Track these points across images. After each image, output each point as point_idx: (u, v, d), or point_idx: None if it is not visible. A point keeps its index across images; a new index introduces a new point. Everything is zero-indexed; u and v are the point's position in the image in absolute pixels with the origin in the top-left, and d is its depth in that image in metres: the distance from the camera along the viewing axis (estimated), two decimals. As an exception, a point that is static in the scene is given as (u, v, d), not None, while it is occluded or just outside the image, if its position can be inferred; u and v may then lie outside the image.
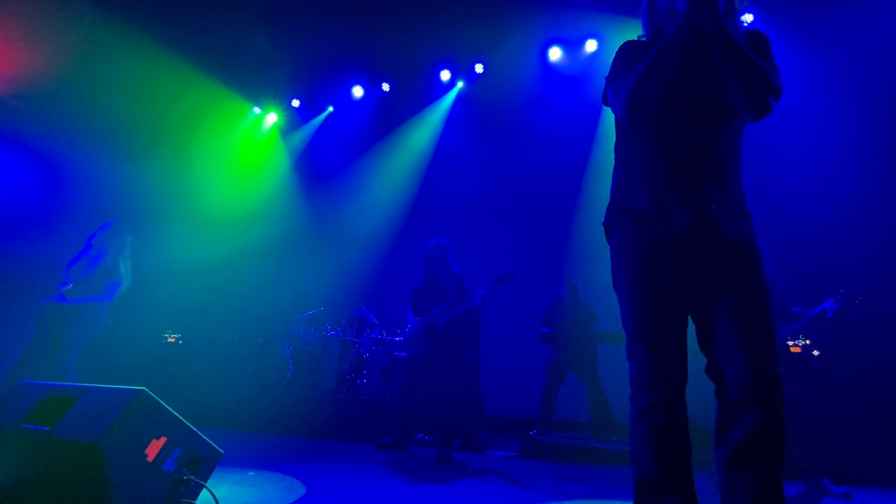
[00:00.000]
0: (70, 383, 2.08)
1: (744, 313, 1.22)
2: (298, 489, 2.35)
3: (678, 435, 1.28)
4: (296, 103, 7.28)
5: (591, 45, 5.87)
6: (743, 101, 1.26)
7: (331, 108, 7.34)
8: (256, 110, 7.32)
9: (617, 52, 1.49)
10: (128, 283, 3.67)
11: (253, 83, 6.83)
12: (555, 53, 6.02)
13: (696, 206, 1.26)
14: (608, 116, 5.92)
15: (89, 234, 3.73)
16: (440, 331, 3.57)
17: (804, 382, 3.52)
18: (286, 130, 7.51)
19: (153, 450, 1.71)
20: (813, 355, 3.67)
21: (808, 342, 3.66)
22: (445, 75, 6.64)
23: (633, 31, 5.87)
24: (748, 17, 5.30)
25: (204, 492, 1.85)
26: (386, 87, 6.86)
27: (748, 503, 1.14)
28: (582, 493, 2.61)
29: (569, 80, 6.07)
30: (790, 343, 3.69)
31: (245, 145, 7.38)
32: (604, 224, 1.46)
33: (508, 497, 2.48)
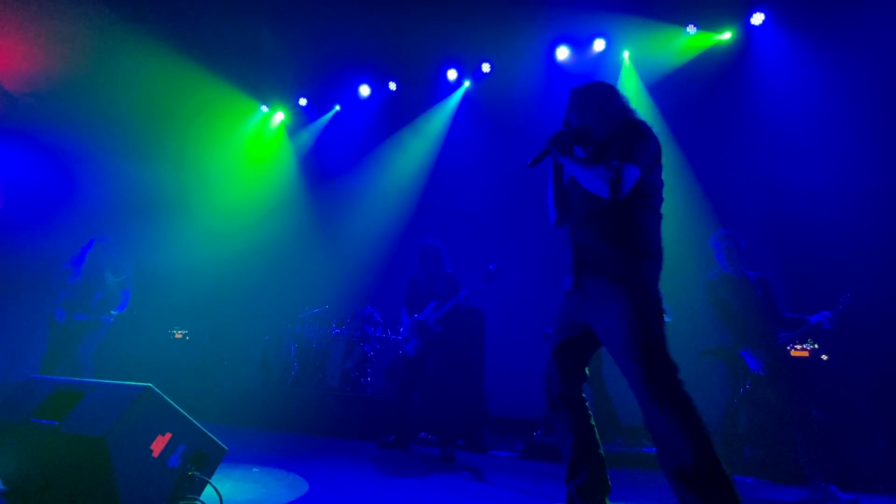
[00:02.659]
0: (82, 379, 2.12)
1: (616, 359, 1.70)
2: (302, 486, 2.36)
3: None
4: (303, 102, 7.31)
5: (599, 45, 5.84)
6: (597, 197, 1.75)
7: (338, 107, 7.37)
8: (264, 109, 7.36)
9: None
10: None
11: (261, 82, 6.87)
12: (562, 53, 6.00)
13: (574, 273, 1.84)
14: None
15: (83, 246, 4.16)
16: (430, 328, 3.62)
17: (811, 387, 3.48)
18: (293, 129, 7.55)
19: (158, 445, 1.73)
20: (821, 359, 3.63)
21: (815, 346, 3.63)
22: (452, 74, 6.64)
23: (641, 30, 5.82)
24: (758, 17, 5.25)
25: (208, 488, 1.86)
26: (393, 86, 6.87)
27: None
28: (585, 494, 2.60)
29: (577, 79, 6.03)
30: (798, 347, 3.65)
31: (252, 144, 7.43)
32: None
33: (511, 498, 2.48)
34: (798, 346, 3.67)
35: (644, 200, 1.78)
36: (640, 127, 1.81)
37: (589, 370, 4.06)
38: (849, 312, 2.76)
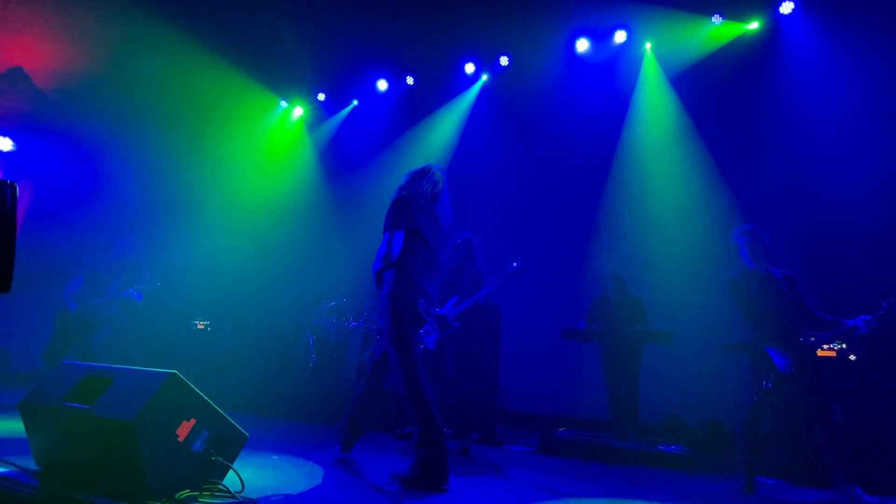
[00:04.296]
0: (104, 364, 2.20)
1: None
2: (320, 474, 2.41)
3: None
4: (321, 97, 7.37)
5: (620, 36, 5.72)
6: None
7: (355, 102, 7.40)
8: (283, 104, 7.44)
9: None
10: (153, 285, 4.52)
11: (280, 77, 6.94)
12: (582, 45, 5.89)
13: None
14: (637, 109, 5.79)
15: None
16: (449, 323, 3.61)
17: (837, 388, 3.39)
18: (312, 124, 7.62)
19: (183, 430, 1.78)
20: (849, 360, 3.53)
21: (843, 346, 3.52)
22: (470, 68, 6.60)
23: (664, 20, 5.66)
24: (788, 6, 5.07)
25: (230, 473, 1.91)
26: (410, 80, 6.86)
27: None
28: (600, 490, 2.59)
29: (597, 72, 5.94)
30: (825, 347, 3.55)
31: (272, 138, 7.52)
32: None
33: (525, 492, 2.48)
34: (825, 347, 3.57)
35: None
36: (392, 201, 2.67)
37: (629, 367, 4.14)
38: (889, 317, 2.65)
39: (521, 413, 4.95)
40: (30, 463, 2.06)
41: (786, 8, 5.08)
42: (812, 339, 2.81)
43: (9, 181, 0.94)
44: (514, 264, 3.51)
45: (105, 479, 1.81)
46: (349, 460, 2.74)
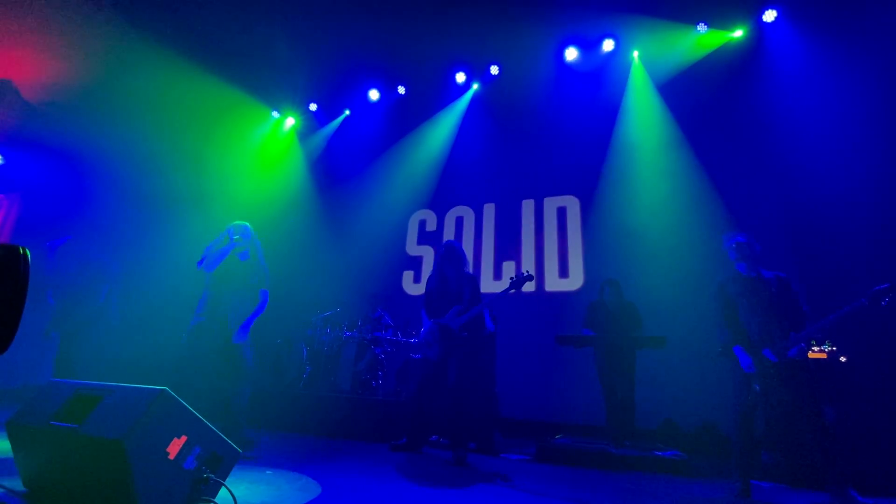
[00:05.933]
0: (92, 382, 2.18)
1: None
2: (314, 489, 2.38)
3: None
4: (313, 107, 7.39)
5: (608, 45, 5.81)
6: None
7: (347, 112, 7.43)
8: (275, 115, 7.45)
9: None
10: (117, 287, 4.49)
11: (272, 88, 6.96)
12: (571, 54, 5.98)
13: None
14: (626, 117, 5.87)
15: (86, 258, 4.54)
16: (454, 333, 3.53)
17: (828, 389, 3.41)
18: (304, 134, 7.63)
19: (174, 448, 1.75)
20: (839, 361, 3.56)
21: (834, 349, 3.55)
22: (461, 77, 6.66)
23: (651, 29, 5.79)
24: (770, 14, 5.18)
25: (223, 489, 1.88)
26: (402, 90, 6.91)
27: None
28: (597, 498, 2.58)
29: (586, 80, 6.02)
30: (816, 349, 3.58)
31: (264, 149, 7.52)
32: None
33: (525, 500, 2.47)
34: (816, 348, 3.60)
35: None
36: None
37: (624, 372, 4.17)
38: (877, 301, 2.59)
39: (517, 420, 4.93)
40: (17, 484, 2.01)
41: (769, 16, 5.20)
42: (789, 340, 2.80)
43: (21, 247, 0.84)
44: (523, 272, 3.48)
45: (94, 500, 1.77)
46: (344, 473, 2.71)
